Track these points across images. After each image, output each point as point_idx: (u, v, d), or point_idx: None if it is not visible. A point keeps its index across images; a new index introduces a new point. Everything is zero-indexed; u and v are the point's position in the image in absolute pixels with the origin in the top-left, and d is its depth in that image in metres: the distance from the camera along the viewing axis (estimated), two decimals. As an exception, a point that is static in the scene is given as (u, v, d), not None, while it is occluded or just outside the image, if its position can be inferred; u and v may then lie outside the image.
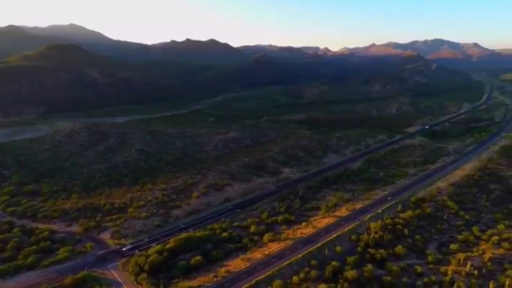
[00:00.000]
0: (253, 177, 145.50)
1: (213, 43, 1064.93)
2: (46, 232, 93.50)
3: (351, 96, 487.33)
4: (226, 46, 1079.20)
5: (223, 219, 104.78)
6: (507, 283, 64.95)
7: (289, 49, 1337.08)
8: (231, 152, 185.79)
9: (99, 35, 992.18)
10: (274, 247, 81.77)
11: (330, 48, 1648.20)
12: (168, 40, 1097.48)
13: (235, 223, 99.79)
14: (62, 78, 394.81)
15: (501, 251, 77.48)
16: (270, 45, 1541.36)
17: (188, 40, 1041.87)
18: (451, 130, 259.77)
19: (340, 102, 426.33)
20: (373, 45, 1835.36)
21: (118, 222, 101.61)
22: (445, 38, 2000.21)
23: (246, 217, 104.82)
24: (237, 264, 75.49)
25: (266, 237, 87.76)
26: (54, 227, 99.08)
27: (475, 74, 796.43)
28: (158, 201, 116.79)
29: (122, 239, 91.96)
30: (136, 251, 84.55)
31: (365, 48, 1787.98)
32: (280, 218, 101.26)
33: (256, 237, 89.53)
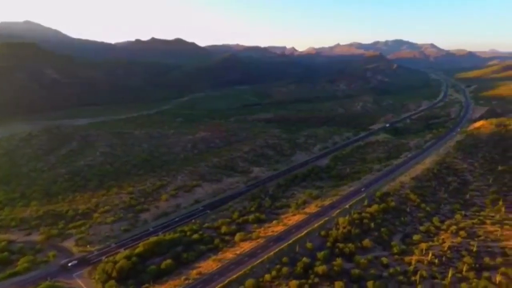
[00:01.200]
0: (223, 177, 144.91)
1: (179, 42, 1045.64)
2: (3, 243, 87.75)
3: (318, 95, 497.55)
4: (193, 45, 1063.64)
5: (193, 220, 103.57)
6: (464, 269, 69.17)
7: (256, 49, 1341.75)
8: (200, 153, 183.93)
9: (57, 33, 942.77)
10: (246, 247, 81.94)
11: (296, 48, 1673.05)
12: (132, 39, 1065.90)
13: (206, 224, 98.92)
14: (18, 79, 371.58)
15: (458, 239, 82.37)
16: (237, 45, 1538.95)
17: (153, 39, 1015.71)
18: (411, 127, 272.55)
19: (307, 101, 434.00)
20: (338, 45, 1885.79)
21: (82, 228, 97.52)
22: (405, 39, 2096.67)
23: (217, 217, 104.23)
24: (209, 265, 74.90)
25: (237, 236, 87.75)
26: (12, 236, 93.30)
27: (432, 73, 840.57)
28: (126, 205, 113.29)
29: (88, 246, 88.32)
30: (103, 257, 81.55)
31: (330, 48, 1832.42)
32: (251, 217, 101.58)
33: (227, 237, 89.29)
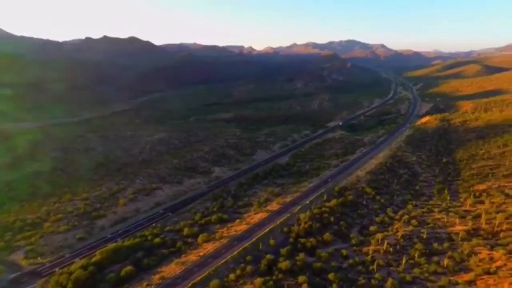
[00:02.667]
0: (184, 179, 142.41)
1: (134, 40, 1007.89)
2: None
3: (277, 93, 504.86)
4: (148, 44, 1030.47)
5: (154, 224, 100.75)
6: (416, 255, 73.91)
7: (214, 48, 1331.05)
8: (159, 154, 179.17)
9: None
10: (209, 248, 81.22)
11: (254, 47, 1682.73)
12: (82, 37, 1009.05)
13: (168, 227, 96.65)
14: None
15: (410, 228, 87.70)
16: (195, 44, 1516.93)
17: (105, 37, 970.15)
18: (365, 123, 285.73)
19: (266, 99, 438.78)
20: (295, 44, 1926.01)
21: (32, 239, 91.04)
22: (357, 39, 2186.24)
23: (179, 220, 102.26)
24: (171, 269, 73.26)
25: (200, 238, 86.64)
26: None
27: (383, 72, 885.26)
28: (80, 212, 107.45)
29: (39, 258, 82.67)
30: (57, 269, 76.78)
31: (288, 47, 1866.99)
32: (213, 217, 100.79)
33: (190, 240, 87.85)
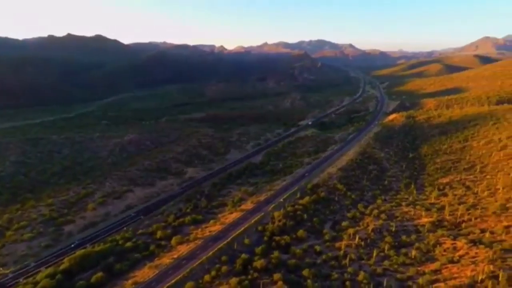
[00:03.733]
0: (156, 180, 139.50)
1: (100, 39, 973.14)
2: None
3: (249, 92, 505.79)
4: (115, 42, 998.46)
5: (125, 228, 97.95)
6: (386, 248, 76.64)
7: (185, 47, 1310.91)
8: (129, 156, 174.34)
9: None
10: (184, 249, 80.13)
11: (226, 46, 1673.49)
12: (45, 34, 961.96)
13: (140, 231, 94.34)
14: None
15: (380, 222, 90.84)
16: (165, 42, 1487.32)
17: (70, 35, 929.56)
18: (336, 121, 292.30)
19: (239, 99, 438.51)
20: (266, 44, 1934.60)
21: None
22: (327, 39, 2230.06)
23: (152, 222, 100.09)
24: (145, 273, 71.62)
25: (174, 240, 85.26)
26: None
27: (351, 71, 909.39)
28: (46, 218, 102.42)
29: (1, 268, 78.11)
30: (21, 279, 72.89)
31: (259, 46, 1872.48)
32: (187, 219, 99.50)
33: (163, 242, 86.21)
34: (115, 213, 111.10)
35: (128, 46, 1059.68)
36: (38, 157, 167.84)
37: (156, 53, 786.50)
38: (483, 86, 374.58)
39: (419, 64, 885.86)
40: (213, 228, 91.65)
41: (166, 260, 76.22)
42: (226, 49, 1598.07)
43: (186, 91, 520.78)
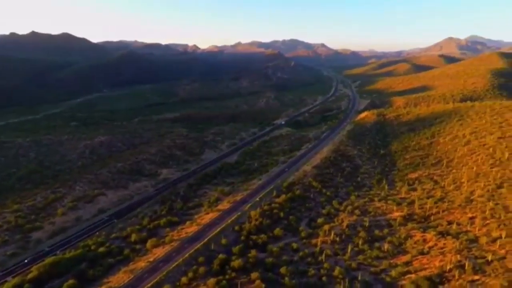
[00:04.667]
0: (129, 183, 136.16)
1: (67, 37, 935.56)
2: None
3: (223, 92, 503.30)
4: (84, 41, 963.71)
5: (98, 233, 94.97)
6: (360, 243, 78.71)
7: (157, 46, 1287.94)
8: (101, 158, 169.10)
9: None
10: (159, 252, 78.74)
11: (199, 46, 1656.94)
12: (6, 32, 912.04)
13: (113, 235, 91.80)
14: None
15: (354, 217, 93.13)
16: (136, 41, 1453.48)
17: (34, 33, 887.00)
18: (310, 120, 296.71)
19: (213, 98, 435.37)
20: (240, 43, 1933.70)
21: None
22: (300, 38, 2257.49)
23: (126, 226, 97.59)
24: (119, 278, 69.79)
25: (149, 243, 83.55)
26: None
27: (324, 70, 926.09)
28: (11, 225, 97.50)
29: (-38, 280, 73.65)
30: (-15, 290, 69.11)
31: (232, 46, 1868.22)
32: (162, 221, 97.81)
33: (138, 246, 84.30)
34: (87, 217, 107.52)
35: (97, 45, 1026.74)
36: (2, 162, 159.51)
37: (127, 52, 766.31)
38: (448, 85, 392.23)
39: (389, 63, 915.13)
40: (190, 229, 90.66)
41: (141, 263, 74.63)
42: (199, 48, 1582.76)
43: (158, 91, 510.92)
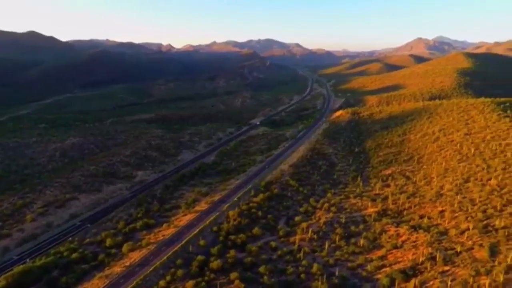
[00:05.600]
0: (103, 186, 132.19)
1: (34, 35, 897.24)
2: None
3: (199, 92, 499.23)
4: (52, 39, 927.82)
5: (70, 238, 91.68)
6: (337, 239, 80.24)
7: (130, 45, 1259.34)
8: (72, 161, 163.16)
9: None
10: (136, 256, 77.05)
11: (173, 45, 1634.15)
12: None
13: (87, 240, 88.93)
14: None
15: (331, 214, 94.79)
16: (108, 40, 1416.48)
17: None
18: (286, 119, 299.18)
19: (188, 98, 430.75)
20: (215, 43, 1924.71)
21: None
22: (275, 38, 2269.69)
23: (100, 230, 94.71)
24: (94, 284, 67.75)
25: (125, 247, 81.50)
26: None
27: (299, 70, 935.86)
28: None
29: None
30: None
31: (208, 45, 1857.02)
32: (139, 224, 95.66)
33: (114, 250, 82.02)
34: (58, 223, 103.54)
35: (66, 43, 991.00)
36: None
37: (99, 51, 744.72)
38: (418, 84, 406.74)
39: (362, 63, 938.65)
40: (167, 231, 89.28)
41: (117, 268, 72.75)
42: (174, 48, 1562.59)
43: (132, 91, 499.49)
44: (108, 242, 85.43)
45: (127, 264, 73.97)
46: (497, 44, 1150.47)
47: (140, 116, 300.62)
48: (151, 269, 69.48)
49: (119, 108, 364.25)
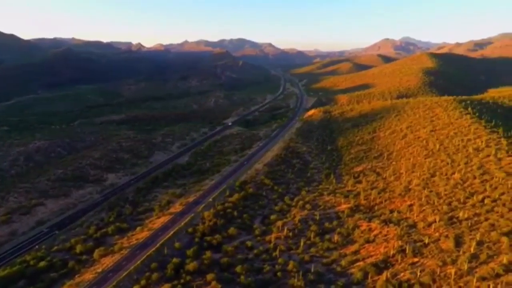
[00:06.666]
0: (71, 190, 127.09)
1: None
2: None
3: (171, 91, 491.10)
4: (12, 37, 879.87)
5: (37, 246, 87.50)
6: (311, 236, 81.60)
7: (98, 44, 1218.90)
8: (38, 166, 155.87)
9: None
10: (108, 262, 74.77)
11: (144, 44, 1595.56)
12: None
13: (55, 247, 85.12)
14: None
15: (305, 212, 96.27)
16: (74, 39, 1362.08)
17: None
18: (260, 118, 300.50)
19: (161, 98, 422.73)
20: (186, 42, 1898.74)
21: None
22: (247, 38, 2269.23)
23: (69, 237, 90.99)
24: (64, 293, 65.09)
25: (96, 253, 78.88)
26: None
27: (272, 70, 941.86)
28: None
29: None
30: None
31: (179, 44, 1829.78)
32: (110, 228, 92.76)
33: (84, 257, 79.13)
34: (24, 230, 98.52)
35: (29, 42, 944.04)
36: None
37: (64, 50, 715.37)
38: (386, 83, 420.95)
39: (332, 62, 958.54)
40: (140, 235, 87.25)
41: (88, 275, 70.29)
42: (144, 47, 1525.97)
43: (101, 91, 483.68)
44: (78, 248, 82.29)
45: (99, 270, 71.61)
46: (458, 44, 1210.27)
47: (110, 117, 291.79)
48: (124, 274, 67.66)
49: (87, 109, 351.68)
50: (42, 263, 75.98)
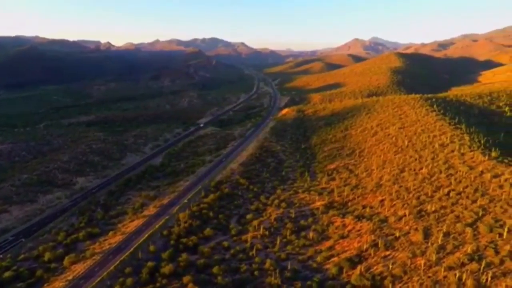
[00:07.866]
0: (38, 195, 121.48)
1: None
2: None
3: (143, 92, 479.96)
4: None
5: (1, 256, 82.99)
6: (287, 234, 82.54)
7: (64, 42, 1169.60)
8: (0, 170, 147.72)
9: None
10: (80, 268, 72.18)
11: (113, 43, 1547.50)
12: None
13: (22, 256, 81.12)
14: None
15: (281, 210, 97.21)
16: (37, 37, 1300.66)
17: None
18: (234, 118, 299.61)
19: (132, 99, 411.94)
20: (158, 41, 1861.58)
21: None
22: (220, 37, 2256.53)
23: (37, 244, 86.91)
24: (32, 303, 62.18)
25: (66, 260, 75.86)
26: None
27: (245, 69, 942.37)
28: None
29: None
30: None
31: (150, 44, 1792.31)
32: (81, 234, 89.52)
33: (54, 265, 75.86)
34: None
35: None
36: None
37: (27, 49, 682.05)
38: (357, 82, 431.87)
39: (305, 62, 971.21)
40: (113, 239, 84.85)
41: (58, 284, 67.57)
42: (113, 46, 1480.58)
43: (68, 92, 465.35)
44: (47, 256, 78.79)
45: (70, 278, 69.00)
46: (423, 45, 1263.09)
47: (78, 118, 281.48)
48: (97, 281, 65.64)
49: (53, 110, 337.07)
50: (7, 273, 72.14)
